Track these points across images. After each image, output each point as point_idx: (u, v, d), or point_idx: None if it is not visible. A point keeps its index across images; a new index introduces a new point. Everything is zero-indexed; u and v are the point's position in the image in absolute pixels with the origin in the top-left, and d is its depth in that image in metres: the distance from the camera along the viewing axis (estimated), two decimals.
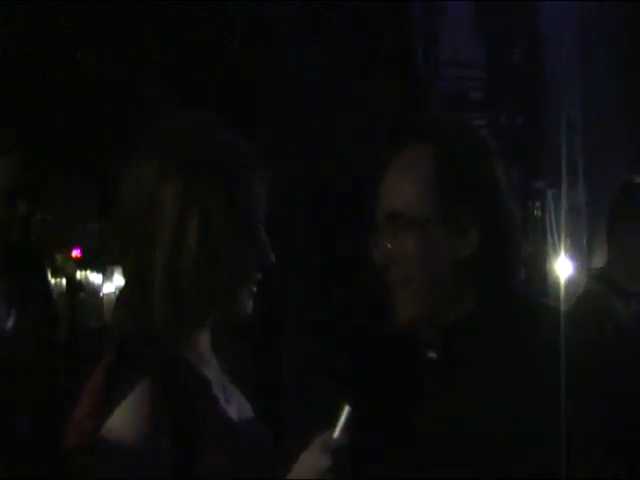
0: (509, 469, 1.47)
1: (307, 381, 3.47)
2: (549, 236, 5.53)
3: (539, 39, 5.83)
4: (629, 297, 2.98)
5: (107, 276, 12.78)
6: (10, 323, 2.53)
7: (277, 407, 3.29)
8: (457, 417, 1.55)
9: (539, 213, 5.72)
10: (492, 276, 1.61)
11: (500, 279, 1.62)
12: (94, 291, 12.76)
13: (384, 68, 3.84)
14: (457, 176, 1.60)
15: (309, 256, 3.67)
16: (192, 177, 1.56)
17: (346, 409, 1.52)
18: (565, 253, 4.97)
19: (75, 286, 11.67)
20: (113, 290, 12.03)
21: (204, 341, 1.63)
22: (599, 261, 4.05)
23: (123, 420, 1.45)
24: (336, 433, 1.51)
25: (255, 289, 1.62)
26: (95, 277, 13.06)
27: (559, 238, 5.39)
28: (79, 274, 12.40)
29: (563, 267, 4.83)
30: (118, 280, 11.76)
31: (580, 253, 5.22)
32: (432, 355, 1.63)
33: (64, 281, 11.42)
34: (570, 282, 4.45)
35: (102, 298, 12.53)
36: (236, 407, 1.63)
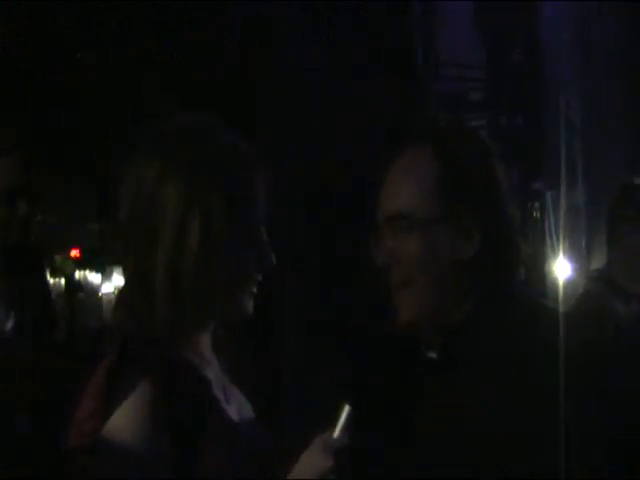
0: (509, 469, 1.47)
1: (307, 381, 3.47)
2: (548, 237, 5.52)
3: (539, 39, 5.82)
4: (629, 297, 2.98)
5: (106, 276, 12.80)
6: (9, 323, 2.53)
7: (277, 407, 3.29)
8: (457, 417, 1.55)
9: (538, 214, 5.71)
10: (492, 277, 1.61)
11: (500, 280, 1.62)
12: (93, 291, 12.77)
13: (384, 68, 3.84)
14: (458, 177, 1.61)
15: (309, 256, 3.67)
16: (192, 177, 1.56)
17: (346, 409, 1.52)
18: (564, 254, 4.97)
19: (74, 286, 11.67)
20: (112, 290, 12.05)
21: (205, 341, 1.63)
22: (598, 262, 4.05)
23: (124, 420, 1.45)
24: (336, 433, 1.51)
25: (255, 290, 1.62)
26: (94, 277, 13.07)
27: (558, 239, 5.38)
28: (78, 274, 12.40)
29: (562, 268, 4.82)
30: (117, 280, 11.78)
31: (579, 254, 5.22)
32: (432, 355, 1.64)
33: (63, 281, 11.43)
34: (569, 283, 4.44)
35: (101, 298, 12.55)
36: (236, 407, 1.63)
